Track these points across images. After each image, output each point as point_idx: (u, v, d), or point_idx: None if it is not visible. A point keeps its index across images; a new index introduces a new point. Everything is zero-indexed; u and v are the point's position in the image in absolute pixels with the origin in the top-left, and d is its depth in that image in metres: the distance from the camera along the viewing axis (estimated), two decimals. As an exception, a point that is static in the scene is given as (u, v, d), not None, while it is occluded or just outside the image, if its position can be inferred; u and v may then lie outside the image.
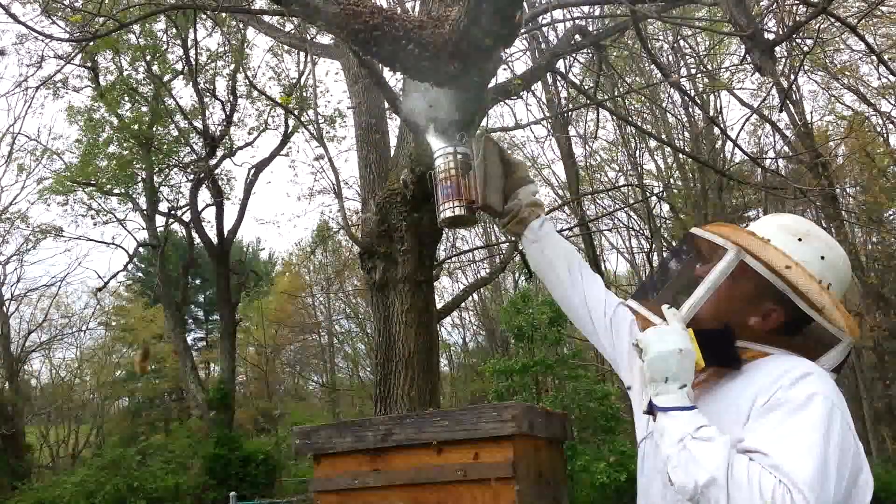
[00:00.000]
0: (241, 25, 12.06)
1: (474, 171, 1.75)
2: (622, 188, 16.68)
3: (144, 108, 14.89)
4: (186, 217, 16.30)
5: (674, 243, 17.86)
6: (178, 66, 14.44)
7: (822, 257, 1.32)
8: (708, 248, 1.39)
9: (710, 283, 1.30)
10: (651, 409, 1.26)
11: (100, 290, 17.91)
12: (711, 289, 1.31)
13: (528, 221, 1.76)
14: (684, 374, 1.24)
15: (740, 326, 1.32)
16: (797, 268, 1.28)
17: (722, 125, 13.62)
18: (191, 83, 13.86)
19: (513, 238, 1.93)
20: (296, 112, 12.17)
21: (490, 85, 3.00)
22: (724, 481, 1.10)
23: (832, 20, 5.72)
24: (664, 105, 15.81)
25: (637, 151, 17.17)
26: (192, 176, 15.74)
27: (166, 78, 14.45)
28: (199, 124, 14.83)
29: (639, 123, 14.46)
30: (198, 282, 25.56)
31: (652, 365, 1.25)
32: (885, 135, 15.99)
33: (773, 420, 1.16)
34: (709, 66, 12.56)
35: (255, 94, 14.36)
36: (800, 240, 1.33)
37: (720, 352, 1.29)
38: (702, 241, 1.41)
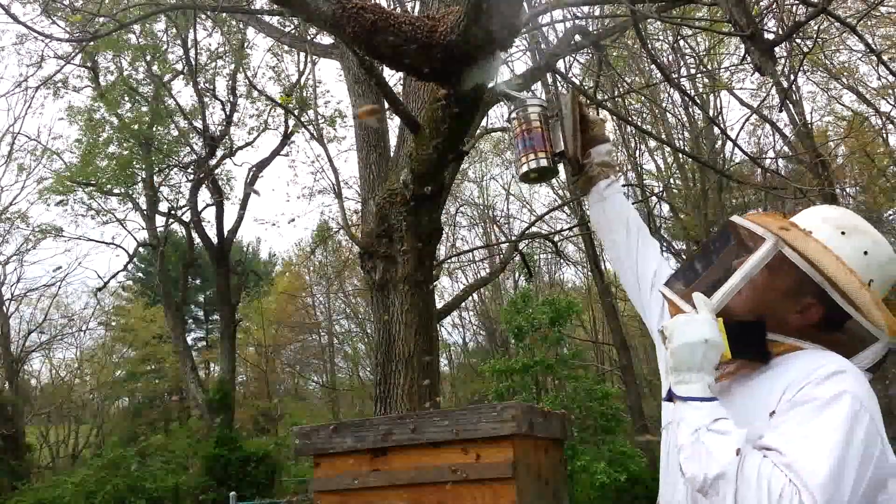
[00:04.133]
0: (241, 25, 12.06)
1: (561, 122, 1.74)
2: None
3: (144, 108, 14.90)
4: (186, 217, 16.32)
5: (674, 244, 17.88)
6: (178, 66, 14.46)
7: (866, 252, 1.27)
8: (747, 237, 1.35)
9: (744, 272, 1.27)
10: (671, 397, 1.24)
11: (100, 290, 17.93)
12: (745, 279, 1.27)
13: (597, 181, 1.75)
14: (708, 364, 1.21)
15: (777, 319, 1.28)
16: (836, 262, 1.24)
17: (722, 125, 13.65)
18: (191, 83, 13.87)
19: (581, 195, 1.91)
20: (296, 112, 12.18)
21: (490, 85, 3.00)
22: (734, 476, 1.08)
23: (832, 20, 5.72)
24: (664, 105, 15.81)
25: (637, 151, 17.17)
26: (192, 176, 15.76)
27: (166, 78, 14.46)
28: (199, 124, 14.84)
29: (639, 123, 14.47)
30: (198, 282, 25.54)
31: (676, 353, 1.23)
32: (884, 135, 16.00)
33: (796, 417, 1.13)
34: (709, 66, 12.56)
35: (255, 94, 14.38)
36: (843, 233, 1.28)
37: (749, 344, 1.26)
38: (741, 230, 1.36)
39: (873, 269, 1.27)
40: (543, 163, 1.71)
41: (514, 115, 1.77)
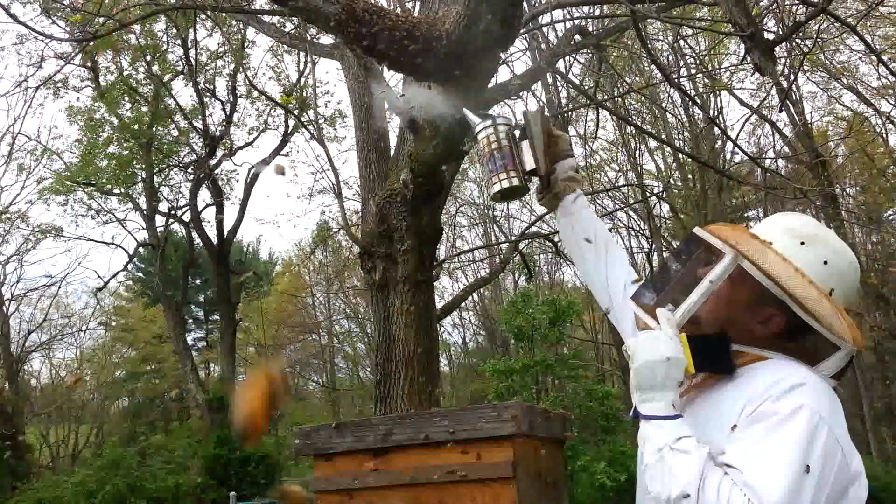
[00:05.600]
0: (241, 25, 12.06)
1: (531, 139, 1.71)
2: (622, 188, 16.66)
3: (144, 108, 14.90)
4: (186, 217, 16.32)
5: (674, 243, 17.88)
6: (178, 66, 14.46)
7: (825, 262, 1.28)
8: (707, 250, 1.36)
9: (705, 287, 1.28)
10: (637, 415, 1.26)
11: (100, 290, 17.92)
12: (706, 293, 1.28)
13: (563, 196, 1.75)
14: (671, 382, 1.23)
15: (741, 330, 1.30)
16: (795, 274, 1.25)
17: (722, 125, 13.63)
18: (191, 83, 13.87)
19: (548, 211, 1.89)
20: (296, 112, 12.18)
21: (490, 84, 3.00)
22: (696, 496, 1.10)
23: (832, 20, 5.73)
24: (664, 105, 15.80)
25: (637, 151, 17.17)
26: (192, 176, 15.76)
27: (166, 78, 14.46)
28: (199, 124, 14.84)
29: (639, 123, 14.46)
30: (198, 282, 25.53)
31: (639, 373, 1.24)
32: (884, 135, 16.00)
33: (755, 433, 1.14)
34: (709, 66, 12.55)
35: (255, 94, 14.37)
36: (802, 243, 1.29)
37: (713, 358, 1.27)
38: (702, 243, 1.38)
39: (834, 278, 1.28)
40: (515, 182, 1.69)
41: (482, 134, 1.74)
